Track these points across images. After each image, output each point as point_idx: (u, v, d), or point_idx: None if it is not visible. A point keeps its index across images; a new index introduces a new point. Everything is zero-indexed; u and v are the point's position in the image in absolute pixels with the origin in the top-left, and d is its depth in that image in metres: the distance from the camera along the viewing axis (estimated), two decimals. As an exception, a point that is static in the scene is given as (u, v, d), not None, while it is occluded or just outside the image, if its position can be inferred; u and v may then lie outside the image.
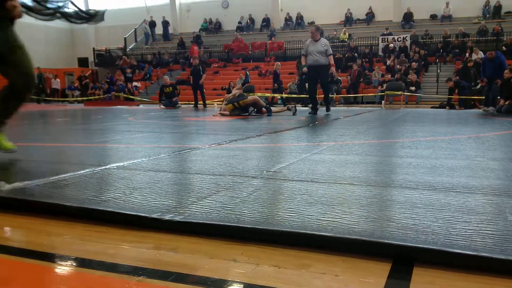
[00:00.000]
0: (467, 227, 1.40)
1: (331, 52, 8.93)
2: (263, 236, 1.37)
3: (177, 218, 1.50)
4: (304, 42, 8.74)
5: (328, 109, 9.43)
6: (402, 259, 1.21)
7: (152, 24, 25.00)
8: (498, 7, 19.78)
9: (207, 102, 14.13)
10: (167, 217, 1.52)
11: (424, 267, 1.18)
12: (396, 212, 1.57)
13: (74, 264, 1.24)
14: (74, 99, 20.29)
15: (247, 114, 8.44)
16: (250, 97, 8.75)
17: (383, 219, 1.49)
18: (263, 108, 8.63)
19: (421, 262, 1.20)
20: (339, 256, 1.25)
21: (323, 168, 2.50)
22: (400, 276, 1.14)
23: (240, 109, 8.34)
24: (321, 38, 8.97)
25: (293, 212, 1.58)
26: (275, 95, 15.50)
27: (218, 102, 12.56)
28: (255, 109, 8.55)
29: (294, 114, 8.57)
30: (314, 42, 8.75)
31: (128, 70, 20.07)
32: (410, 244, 1.21)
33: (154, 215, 1.54)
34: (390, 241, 1.24)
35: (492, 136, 4.69)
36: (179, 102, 14.76)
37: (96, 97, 18.31)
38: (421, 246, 1.20)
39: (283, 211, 1.60)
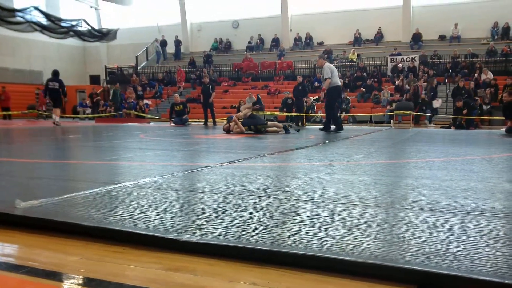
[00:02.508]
0: (490, 252, 1.37)
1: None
2: (283, 258, 1.35)
3: (194, 239, 1.49)
4: (325, 66, 9.20)
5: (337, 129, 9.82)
6: (427, 285, 1.18)
7: (164, 43, 25.38)
8: (506, 29, 19.82)
9: (216, 120, 14.21)
10: (184, 238, 1.51)
11: (449, 294, 1.15)
12: (416, 236, 1.54)
13: (93, 286, 1.23)
14: (85, 116, 20.50)
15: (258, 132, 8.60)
16: (270, 123, 9.17)
17: (404, 243, 1.46)
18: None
19: (446, 289, 1.17)
20: (361, 281, 1.23)
21: (337, 189, 2.48)
22: (425, 303, 1.11)
23: (255, 131, 8.58)
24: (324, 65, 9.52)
25: (311, 234, 1.56)
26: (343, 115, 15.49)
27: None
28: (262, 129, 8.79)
29: (297, 131, 9.19)
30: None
31: (139, 88, 20.29)
32: (435, 271, 1.18)
33: (171, 236, 1.53)
34: (415, 267, 1.21)
35: (505, 157, 4.63)
36: (189, 120, 14.87)
37: (107, 114, 18.49)
38: (447, 272, 1.17)
39: (300, 233, 1.58)
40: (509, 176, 3.17)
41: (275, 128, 8.93)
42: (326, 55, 10.65)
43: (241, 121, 8.72)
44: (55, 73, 13.12)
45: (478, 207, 2.01)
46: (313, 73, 19.75)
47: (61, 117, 20.79)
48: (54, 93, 12.91)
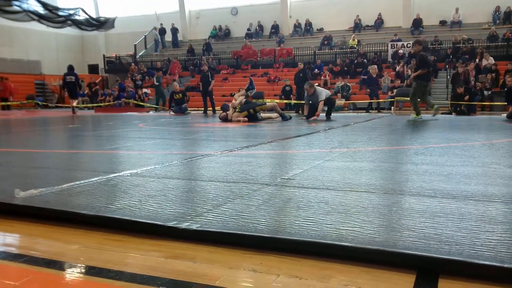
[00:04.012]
0: (491, 237, 1.36)
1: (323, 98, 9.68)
2: (283, 245, 1.35)
3: (194, 227, 1.49)
4: (318, 89, 9.88)
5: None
6: (427, 270, 1.18)
7: (162, 31, 25.15)
8: (508, 13, 19.61)
9: (216, 108, 14.16)
10: (184, 225, 1.50)
11: (449, 279, 1.15)
12: (416, 221, 1.54)
13: (93, 274, 1.23)
14: (84, 105, 20.46)
15: (258, 120, 8.54)
16: (270, 104, 8.99)
17: (404, 228, 1.46)
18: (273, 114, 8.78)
19: (446, 273, 1.17)
20: (361, 267, 1.23)
21: (337, 176, 2.48)
22: (425, 288, 1.11)
23: (253, 115, 8.49)
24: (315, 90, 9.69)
25: (311, 220, 1.56)
26: (373, 101, 15.42)
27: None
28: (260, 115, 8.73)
29: (289, 118, 9.04)
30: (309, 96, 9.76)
31: (138, 77, 20.20)
32: (435, 255, 1.18)
33: (170, 224, 1.52)
34: (414, 252, 1.21)
35: (506, 142, 4.62)
36: (189, 108, 14.83)
37: (107, 103, 18.44)
38: (446, 257, 1.17)
39: (300, 220, 1.57)
40: (510, 161, 3.16)
41: (270, 114, 8.87)
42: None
43: (239, 109, 8.63)
44: (71, 67, 14.13)
45: (478, 192, 2.01)
46: (314, 59, 19.62)
47: (60, 107, 20.83)
48: (71, 85, 13.96)
